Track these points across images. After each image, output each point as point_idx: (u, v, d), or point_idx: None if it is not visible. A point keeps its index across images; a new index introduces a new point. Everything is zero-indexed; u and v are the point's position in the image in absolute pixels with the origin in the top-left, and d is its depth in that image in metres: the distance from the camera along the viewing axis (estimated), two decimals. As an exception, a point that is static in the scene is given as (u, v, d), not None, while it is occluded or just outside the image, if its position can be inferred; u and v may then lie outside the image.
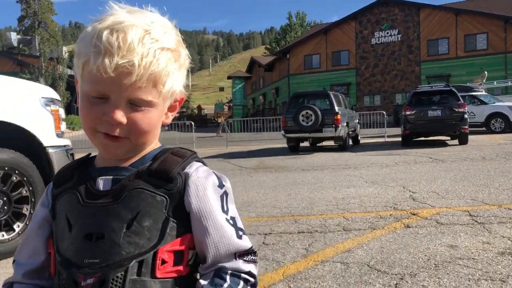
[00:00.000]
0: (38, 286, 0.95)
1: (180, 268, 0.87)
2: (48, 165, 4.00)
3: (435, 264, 3.11)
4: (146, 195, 0.86)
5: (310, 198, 5.88)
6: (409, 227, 4.15)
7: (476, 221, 4.23)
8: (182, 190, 0.88)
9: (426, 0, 37.41)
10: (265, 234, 4.12)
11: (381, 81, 37.65)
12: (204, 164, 0.96)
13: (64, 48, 53.48)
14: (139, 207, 0.85)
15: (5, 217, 3.63)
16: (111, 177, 0.89)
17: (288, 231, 4.19)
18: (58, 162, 4.04)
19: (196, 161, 0.95)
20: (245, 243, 0.89)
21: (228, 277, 0.86)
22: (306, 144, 15.33)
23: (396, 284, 2.80)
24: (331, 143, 14.66)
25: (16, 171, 3.69)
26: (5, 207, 3.64)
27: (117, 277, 0.82)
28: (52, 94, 4.27)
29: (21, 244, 0.98)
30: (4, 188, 3.64)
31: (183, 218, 0.88)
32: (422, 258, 3.25)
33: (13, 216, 3.71)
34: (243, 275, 0.87)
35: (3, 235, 3.60)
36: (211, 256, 0.87)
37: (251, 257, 0.90)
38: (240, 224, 0.91)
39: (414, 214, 4.64)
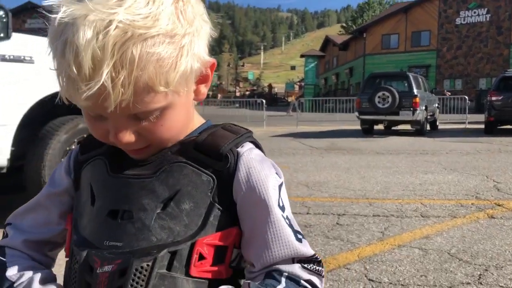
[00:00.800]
0: (34, 259, 0.80)
1: (221, 268, 0.70)
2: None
3: (524, 259, 2.91)
4: (190, 172, 0.70)
5: (385, 182, 5.71)
6: (494, 217, 3.91)
7: None
8: (232, 172, 0.71)
9: (521, -24, 34.35)
10: (339, 215, 4.07)
11: (463, 64, 35.46)
12: (260, 147, 0.78)
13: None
14: (180, 184, 0.69)
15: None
16: None
17: (363, 214, 4.10)
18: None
19: (250, 141, 0.76)
20: (306, 248, 0.70)
21: (283, 280, 0.67)
22: (380, 127, 14.89)
23: (480, 275, 2.66)
24: (407, 127, 14.12)
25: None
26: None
27: (142, 267, 0.65)
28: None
29: (26, 207, 0.82)
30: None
31: (230, 207, 0.71)
32: (509, 251, 3.06)
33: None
34: (302, 282, 0.68)
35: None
36: (264, 258, 0.69)
37: (314, 267, 0.70)
38: (297, 226, 0.72)
39: (499, 205, 4.37)
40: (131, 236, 0.67)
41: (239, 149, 0.72)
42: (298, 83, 67.72)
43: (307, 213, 4.10)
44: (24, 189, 3.68)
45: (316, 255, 0.71)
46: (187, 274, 0.67)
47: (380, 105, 12.49)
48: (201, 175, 0.70)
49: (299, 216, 3.96)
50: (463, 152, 8.84)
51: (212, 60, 0.72)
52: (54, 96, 3.48)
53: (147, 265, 0.65)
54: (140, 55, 0.58)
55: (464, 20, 35.58)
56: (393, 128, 15.22)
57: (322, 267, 0.72)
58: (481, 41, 34.78)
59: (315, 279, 0.69)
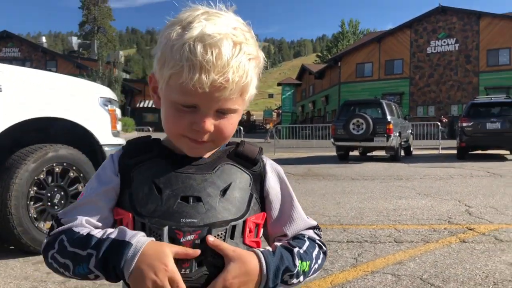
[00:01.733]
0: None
1: (259, 240, 0.97)
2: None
3: (494, 282, 2.93)
4: (236, 171, 0.96)
5: (360, 207, 5.74)
6: (465, 242, 3.95)
7: (539, 240, 3.97)
8: (263, 174, 1.00)
9: (487, 8, 35.86)
10: (313, 241, 4.04)
11: (436, 91, 36.39)
12: None
13: (120, 53, 55.48)
14: (231, 179, 0.94)
15: (60, 211, 3.77)
16: (194, 161, 0.96)
17: (337, 240, 4.10)
18: (113, 160, 4.16)
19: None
20: (314, 221, 1.06)
21: (307, 239, 0.99)
22: (355, 153, 15.05)
23: (452, 300, 2.66)
24: (382, 153, 14.32)
25: (74, 167, 3.83)
26: (62, 201, 3.78)
27: (218, 235, 0.88)
28: (110, 94, 4.41)
29: (76, 205, 0.95)
30: (62, 183, 3.78)
31: (261, 198, 0.99)
32: (479, 275, 3.08)
33: (69, 210, 3.84)
34: (317, 241, 1.02)
35: (59, 228, 3.74)
36: (292, 230, 1.01)
37: (319, 232, 1.06)
38: None
39: (470, 229, 4.42)
40: (203, 215, 0.88)
41: (263, 158, 1.02)
42: (276, 111, 68.33)
43: (281, 241, 4.05)
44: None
45: (318, 224, 1.06)
46: (243, 242, 0.91)
47: (354, 132, 12.67)
48: (243, 173, 0.97)
49: (273, 244, 3.91)
50: (437, 177, 8.98)
51: (256, 92, 0.97)
52: (22, 124, 3.41)
53: (222, 233, 0.88)
54: (246, 68, 0.87)
55: (434, 49, 36.73)
56: (368, 154, 15.42)
57: (321, 231, 1.07)
58: (451, 69, 35.88)
59: (320, 239, 1.04)
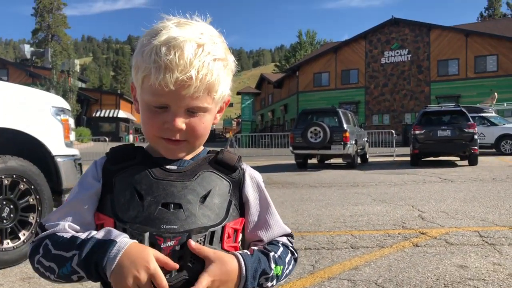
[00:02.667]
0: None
1: (237, 245, 1.00)
2: (56, 174, 4.00)
3: (445, 284, 3.04)
4: (216, 178, 1.00)
5: (318, 215, 5.82)
6: (418, 246, 4.08)
7: (486, 242, 4.15)
8: (242, 180, 1.04)
9: (437, 20, 37.46)
10: (271, 250, 4.06)
11: (390, 100, 37.58)
12: None
13: (76, 61, 54.08)
14: (210, 186, 0.97)
15: (11, 225, 3.62)
16: (176, 166, 0.99)
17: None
18: (66, 171, 4.04)
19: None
20: (288, 228, 1.09)
21: (281, 245, 1.03)
22: (314, 161, 15.27)
23: (405, 303, 2.74)
24: (339, 160, 14.60)
25: (24, 179, 3.69)
26: (11, 215, 3.63)
27: (198, 241, 0.90)
28: (63, 103, 4.29)
29: (60, 211, 0.98)
30: (11, 196, 3.63)
31: (240, 205, 1.03)
32: (431, 278, 3.18)
33: (19, 224, 3.69)
34: (290, 247, 1.06)
35: (8, 243, 3.58)
36: (268, 236, 1.04)
37: (291, 239, 1.10)
38: None
39: (423, 233, 4.57)
40: (183, 221, 0.91)
41: (243, 166, 1.05)
42: (236, 120, 68.45)
43: (240, 250, 4.05)
44: None
45: (292, 232, 1.11)
46: (222, 247, 0.94)
47: (312, 140, 12.86)
48: (223, 180, 1.00)
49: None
50: (391, 183, 9.24)
51: (230, 96, 1.03)
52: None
53: (201, 239, 0.91)
54: (213, 68, 0.92)
55: (388, 60, 37.96)
56: (326, 161, 15.68)
57: (293, 238, 1.11)
58: (405, 79, 37.17)
59: (292, 246, 1.08)
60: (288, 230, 1.09)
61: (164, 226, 0.90)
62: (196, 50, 0.90)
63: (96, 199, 0.98)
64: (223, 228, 0.95)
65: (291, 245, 1.07)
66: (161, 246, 0.89)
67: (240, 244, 1.02)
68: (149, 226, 0.90)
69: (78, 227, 0.95)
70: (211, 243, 0.92)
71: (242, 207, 1.03)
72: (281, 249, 1.02)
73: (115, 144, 1.09)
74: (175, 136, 0.94)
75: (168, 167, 0.98)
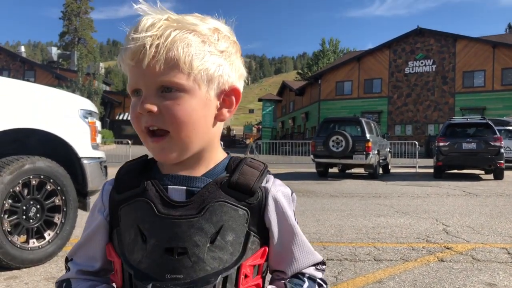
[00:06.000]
0: (95, 281, 0.93)
1: (259, 280, 0.88)
2: (81, 176, 4.05)
3: (472, 302, 2.95)
4: (229, 209, 0.83)
5: (339, 225, 5.75)
6: (443, 261, 3.99)
7: (515, 259, 4.03)
8: (263, 205, 0.87)
9: (463, 31, 36.95)
10: (293, 259, 4.02)
11: (413, 111, 37.10)
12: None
13: (101, 64, 55.04)
14: (222, 221, 0.82)
15: (37, 224, 3.67)
16: (185, 187, 0.86)
17: (316, 257, 4.08)
18: (92, 174, 4.09)
19: (269, 173, 0.93)
20: (319, 256, 0.96)
21: (306, 280, 0.91)
22: (335, 170, 15.15)
23: (431, 320, 2.67)
24: (360, 170, 14.45)
25: (51, 180, 3.74)
26: (38, 215, 3.68)
27: None
28: (90, 106, 4.35)
29: (78, 244, 0.95)
30: (38, 196, 3.69)
31: (262, 232, 0.88)
32: (458, 295, 3.10)
33: (44, 224, 3.74)
34: (318, 280, 0.93)
35: (34, 243, 3.64)
36: (293, 269, 0.91)
37: (322, 267, 0.96)
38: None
39: (448, 248, 4.47)
40: (189, 269, 0.80)
41: (265, 185, 0.88)
42: (256, 126, 68.53)
43: (261, 258, 4.02)
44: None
45: (323, 259, 0.96)
46: None
47: (334, 149, 12.77)
48: (238, 210, 0.84)
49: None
50: (414, 195, 9.09)
51: (236, 86, 0.88)
52: (-2, 135, 3.31)
53: None
54: (175, 36, 0.79)
55: (412, 70, 37.52)
56: (347, 171, 15.54)
57: (325, 265, 0.98)
58: (429, 89, 36.67)
59: (324, 277, 0.96)
60: (318, 258, 0.94)
61: (168, 276, 0.80)
62: (155, 21, 0.80)
63: (103, 231, 0.91)
64: (238, 269, 0.83)
65: (319, 276, 0.93)
66: None
67: (264, 273, 0.91)
68: (153, 274, 0.81)
69: (87, 267, 0.93)
70: None
71: (266, 233, 0.88)
72: (306, 285, 0.90)
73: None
74: (148, 122, 0.81)
75: (172, 196, 0.85)
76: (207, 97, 0.83)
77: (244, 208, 0.85)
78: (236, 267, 0.82)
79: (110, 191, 0.91)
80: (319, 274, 0.94)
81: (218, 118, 0.87)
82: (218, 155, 0.92)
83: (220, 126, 0.90)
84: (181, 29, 0.80)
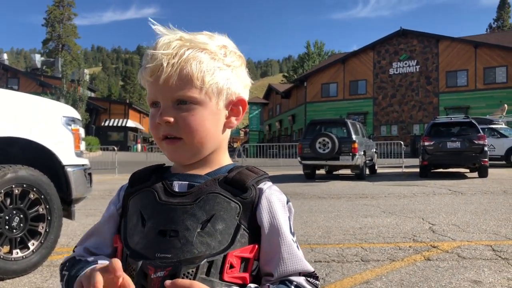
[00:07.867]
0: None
1: (246, 275, 0.89)
2: (66, 184, 4.01)
3: (458, 300, 2.98)
4: (222, 200, 0.90)
5: (327, 226, 5.77)
6: (430, 260, 4.02)
7: (499, 256, 4.08)
8: (255, 203, 0.92)
9: (445, 32, 37.46)
10: (281, 262, 4.01)
11: (398, 111, 37.46)
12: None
13: (86, 71, 54.53)
14: (214, 210, 0.89)
15: (20, 234, 3.62)
16: (187, 182, 0.95)
17: (304, 260, 4.08)
18: (76, 181, 4.05)
19: (268, 180, 0.98)
20: (310, 266, 0.93)
21: (293, 287, 0.89)
22: (322, 171, 15.20)
23: (418, 319, 2.69)
24: (347, 171, 14.52)
25: (34, 189, 3.69)
26: (21, 224, 3.63)
27: (188, 273, 0.84)
28: (73, 113, 4.31)
29: (87, 233, 1.03)
30: (21, 205, 3.64)
31: (253, 229, 0.91)
32: (444, 293, 3.13)
33: (28, 234, 3.69)
34: None
35: (17, 253, 3.58)
36: (279, 271, 0.90)
37: (314, 281, 0.92)
38: (300, 249, 0.95)
39: (434, 247, 4.51)
40: (178, 250, 0.85)
41: (261, 186, 0.94)
42: (243, 130, 68.52)
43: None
44: None
45: (315, 272, 0.93)
46: (221, 279, 0.85)
47: (320, 151, 12.82)
48: (230, 202, 0.90)
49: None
50: (401, 195, 9.16)
51: (242, 97, 0.98)
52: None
53: (192, 271, 0.84)
54: (188, 55, 0.89)
55: (396, 71, 37.90)
56: (334, 172, 15.60)
57: (318, 281, 0.93)
58: (413, 90, 37.06)
59: None
60: (309, 269, 0.91)
61: (158, 255, 0.86)
62: (171, 41, 0.90)
63: (113, 221, 1.00)
64: (224, 257, 0.86)
65: (308, 287, 0.89)
66: (152, 276, 0.84)
67: (255, 273, 0.91)
68: (145, 253, 0.87)
69: (94, 250, 0.99)
70: (208, 274, 0.84)
71: (257, 231, 0.91)
72: None
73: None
74: (166, 131, 0.91)
75: (175, 188, 0.93)
76: (217, 107, 0.94)
77: (237, 202, 0.90)
78: (222, 255, 0.86)
79: (126, 187, 1.01)
80: (308, 286, 0.90)
81: (227, 125, 0.98)
82: (224, 159, 1.01)
83: (228, 132, 1.01)
84: (193, 48, 0.91)
